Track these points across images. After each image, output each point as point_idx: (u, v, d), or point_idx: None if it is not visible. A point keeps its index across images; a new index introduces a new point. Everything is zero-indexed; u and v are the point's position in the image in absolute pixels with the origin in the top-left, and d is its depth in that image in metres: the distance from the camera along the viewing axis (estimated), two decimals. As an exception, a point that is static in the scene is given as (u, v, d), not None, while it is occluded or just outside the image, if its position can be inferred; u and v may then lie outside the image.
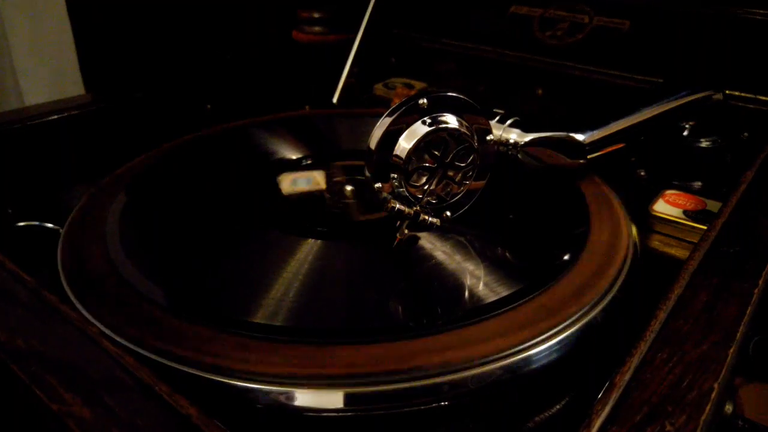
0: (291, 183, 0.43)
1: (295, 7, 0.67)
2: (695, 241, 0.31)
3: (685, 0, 0.50)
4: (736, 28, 0.48)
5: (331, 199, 0.41)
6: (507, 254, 0.35)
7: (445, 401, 0.24)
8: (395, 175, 0.31)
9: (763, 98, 0.46)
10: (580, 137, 0.39)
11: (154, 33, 0.77)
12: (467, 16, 0.62)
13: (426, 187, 0.32)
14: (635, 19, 0.52)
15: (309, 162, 0.47)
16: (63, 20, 0.77)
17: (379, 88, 0.63)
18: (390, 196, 0.31)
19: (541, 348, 0.26)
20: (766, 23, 0.47)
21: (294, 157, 0.48)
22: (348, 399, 0.24)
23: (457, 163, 0.32)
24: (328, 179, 0.43)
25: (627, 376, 0.21)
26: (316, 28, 0.66)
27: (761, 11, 0.47)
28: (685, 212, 0.39)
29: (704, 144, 0.45)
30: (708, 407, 0.20)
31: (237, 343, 0.26)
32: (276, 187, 0.43)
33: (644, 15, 0.52)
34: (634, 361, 0.21)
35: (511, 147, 0.38)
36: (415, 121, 0.31)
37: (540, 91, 0.55)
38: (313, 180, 0.43)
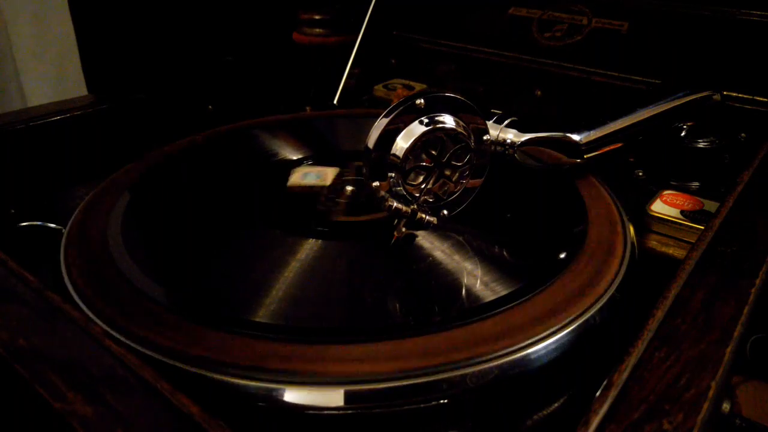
0: (301, 176, 0.43)
1: (296, 9, 0.68)
2: (693, 240, 0.31)
3: (684, 1, 0.50)
4: (733, 29, 0.48)
5: (327, 196, 0.41)
6: (505, 253, 0.35)
7: (443, 400, 0.25)
8: (392, 174, 0.31)
9: (761, 99, 0.46)
10: (576, 137, 0.39)
11: (156, 34, 0.77)
12: (467, 18, 0.62)
13: (423, 186, 0.32)
14: (634, 20, 0.52)
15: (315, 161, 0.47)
16: (66, 22, 0.77)
17: (379, 90, 0.63)
18: (387, 195, 0.32)
19: (540, 347, 0.26)
20: (764, 24, 0.47)
21: (295, 158, 0.48)
22: (348, 397, 0.24)
23: (453, 163, 0.33)
24: (337, 177, 0.43)
25: (625, 375, 0.21)
26: (317, 30, 0.67)
27: (759, 12, 0.47)
28: (682, 212, 0.39)
29: (702, 144, 0.45)
30: (705, 406, 0.20)
31: (238, 341, 0.26)
32: (284, 179, 0.43)
33: (643, 16, 0.52)
34: (632, 359, 0.21)
35: (508, 147, 0.39)
36: (413, 120, 0.31)
37: (539, 92, 0.55)
38: (323, 176, 0.43)
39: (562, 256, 0.33)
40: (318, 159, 0.47)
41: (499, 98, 0.58)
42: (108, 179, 0.41)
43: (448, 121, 0.32)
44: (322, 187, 0.42)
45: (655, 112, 0.43)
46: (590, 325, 0.28)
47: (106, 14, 0.75)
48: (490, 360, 0.25)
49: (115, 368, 0.21)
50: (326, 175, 0.43)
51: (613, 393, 0.20)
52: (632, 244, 0.34)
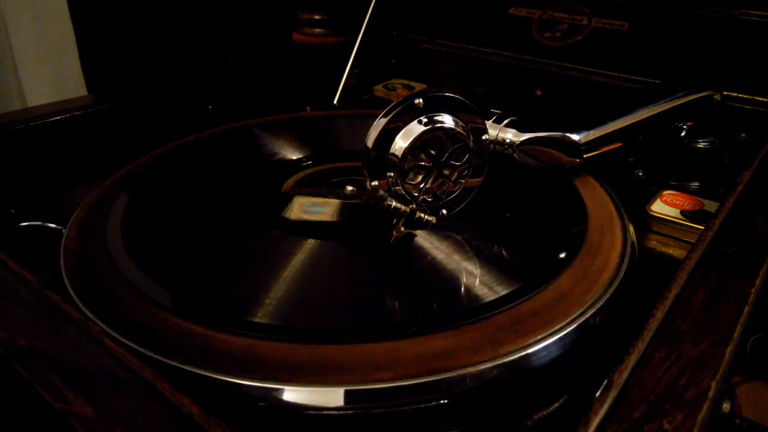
0: (302, 209, 0.39)
1: (296, 9, 0.68)
2: (693, 241, 0.31)
3: (684, 1, 0.50)
4: (733, 30, 0.48)
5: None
6: (504, 253, 0.35)
7: (443, 400, 0.25)
8: (391, 174, 0.31)
9: (761, 99, 0.46)
10: (575, 137, 0.39)
11: (155, 34, 0.77)
12: (467, 18, 0.62)
13: (422, 186, 0.32)
14: (634, 20, 0.52)
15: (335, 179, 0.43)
16: (65, 22, 0.77)
17: (379, 89, 0.63)
18: (386, 194, 0.32)
19: (540, 347, 0.26)
20: (764, 24, 0.47)
21: (295, 158, 0.48)
22: (348, 397, 0.24)
23: (452, 162, 0.33)
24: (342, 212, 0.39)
25: (625, 375, 0.21)
26: (317, 30, 0.67)
27: (759, 12, 0.47)
28: (682, 212, 0.39)
29: (702, 144, 0.45)
30: (705, 406, 0.20)
31: (238, 342, 0.26)
32: (283, 179, 0.42)
33: (643, 16, 0.52)
34: (632, 359, 0.21)
35: (507, 146, 0.39)
36: (411, 120, 0.31)
37: (539, 92, 0.55)
38: (328, 210, 0.39)
39: (562, 255, 0.33)
40: (317, 159, 0.47)
41: (499, 98, 0.58)
42: (108, 179, 0.41)
43: (447, 120, 0.32)
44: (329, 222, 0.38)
45: (655, 112, 0.43)
46: (590, 325, 0.28)
47: (106, 14, 0.75)
48: (490, 360, 0.25)
49: (115, 368, 0.21)
50: (330, 209, 0.39)
51: (613, 393, 0.20)
52: (632, 244, 0.34)
